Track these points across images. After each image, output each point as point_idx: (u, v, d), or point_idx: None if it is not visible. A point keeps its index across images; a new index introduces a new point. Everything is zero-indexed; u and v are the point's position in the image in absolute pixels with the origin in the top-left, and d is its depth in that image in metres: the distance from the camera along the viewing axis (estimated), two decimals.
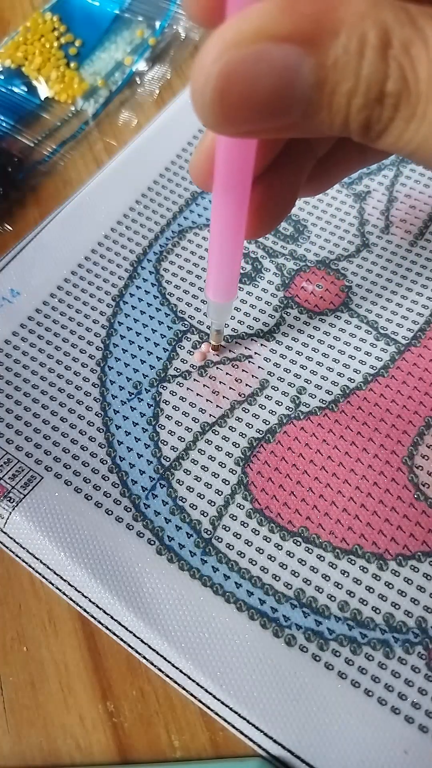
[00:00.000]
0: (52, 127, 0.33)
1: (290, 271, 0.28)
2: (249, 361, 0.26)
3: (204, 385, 0.25)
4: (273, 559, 0.22)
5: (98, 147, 0.33)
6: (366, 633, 0.21)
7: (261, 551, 0.22)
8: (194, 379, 0.25)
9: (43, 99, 0.34)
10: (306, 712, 0.20)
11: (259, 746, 0.20)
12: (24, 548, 0.23)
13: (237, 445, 0.24)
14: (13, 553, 0.23)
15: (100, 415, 0.25)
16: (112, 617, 0.21)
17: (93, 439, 0.24)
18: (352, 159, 0.20)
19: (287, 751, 0.19)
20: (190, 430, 0.24)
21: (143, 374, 0.26)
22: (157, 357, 0.26)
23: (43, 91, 0.34)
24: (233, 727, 0.20)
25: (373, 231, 0.28)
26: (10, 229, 0.30)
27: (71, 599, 0.22)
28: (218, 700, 0.20)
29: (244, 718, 0.20)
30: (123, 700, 0.21)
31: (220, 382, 0.25)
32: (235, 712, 0.20)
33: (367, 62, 0.12)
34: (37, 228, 0.29)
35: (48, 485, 0.23)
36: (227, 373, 0.25)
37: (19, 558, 0.23)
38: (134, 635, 0.21)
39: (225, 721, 0.20)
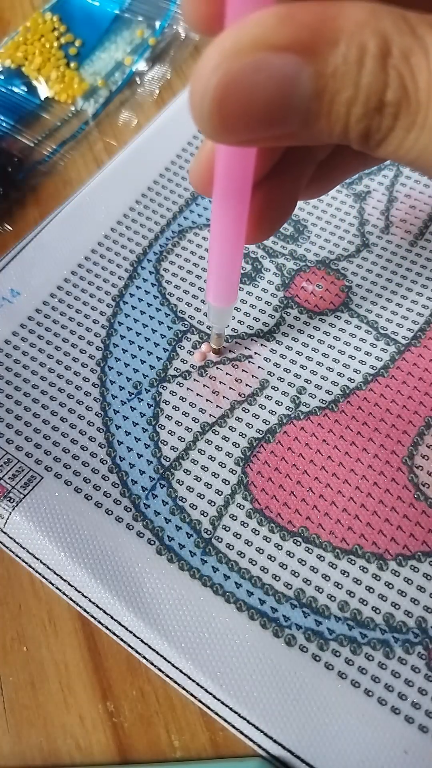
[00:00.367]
0: (52, 127, 0.33)
1: (290, 271, 0.28)
2: (249, 361, 0.26)
3: (204, 385, 0.25)
4: (273, 559, 0.22)
5: (98, 147, 0.33)
6: (366, 633, 0.21)
7: (261, 551, 0.22)
8: (194, 379, 0.25)
9: (43, 99, 0.34)
10: (306, 712, 0.20)
11: (259, 746, 0.20)
12: (24, 548, 0.23)
13: (237, 445, 0.24)
14: (13, 553, 0.23)
15: (100, 415, 0.25)
16: (112, 617, 0.21)
17: (93, 439, 0.24)
18: (352, 163, 0.20)
19: (287, 751, 0.19)
20: (190, 430, 0.24)
21: (143, 374, 0.26)
22: (157, 357, 0.26)
23: (43, 91, 0.34)
24: (233, 727, 0.20)
25: (373, 231, 0.28)
26: (10, 229, 0.30)
27: (71, 599, 0.22)
28: (218, 700, 0.20)
29: (244, 718, 0.20)
30: (123, 700, 0.21)
31: (220, 382, 0.25)
32: (235, 712, 0.20)
33: (367, 71, 0.12)
34: (37, 228, 0.29)
35: (48, 485, 0.23)
36: (227, 373, 0.25)
37: (19, 558, 0.23)
38: (134, 635, 0.21)
39: (225, 721, 0.20)
